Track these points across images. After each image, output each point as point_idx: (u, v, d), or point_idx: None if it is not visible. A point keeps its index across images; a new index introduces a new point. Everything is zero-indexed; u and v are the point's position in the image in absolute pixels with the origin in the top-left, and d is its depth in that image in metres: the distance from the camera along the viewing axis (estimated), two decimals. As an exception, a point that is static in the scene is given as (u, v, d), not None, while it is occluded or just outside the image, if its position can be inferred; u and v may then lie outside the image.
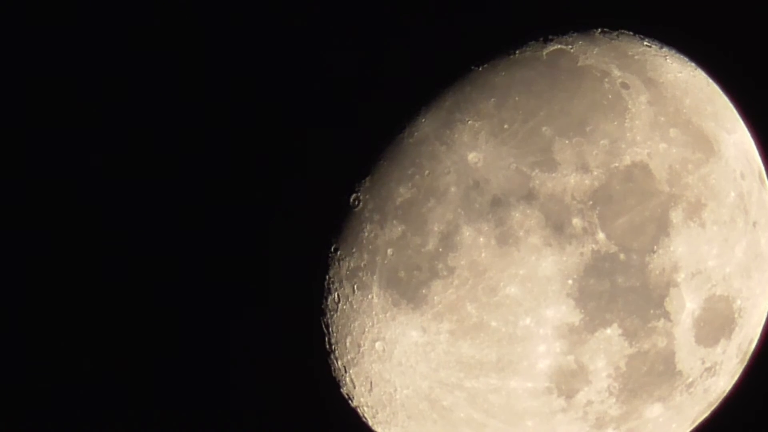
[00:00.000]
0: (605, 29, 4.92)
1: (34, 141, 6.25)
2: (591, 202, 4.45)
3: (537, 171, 4.45)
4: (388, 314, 4.58)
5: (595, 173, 4.47)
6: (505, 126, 4.49)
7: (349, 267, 4.66)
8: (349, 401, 4.95)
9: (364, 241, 4.60)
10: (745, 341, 4.97)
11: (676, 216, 4.54)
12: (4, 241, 6.29)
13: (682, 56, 5.01)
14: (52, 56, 6.19)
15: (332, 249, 4.70)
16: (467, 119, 4.53)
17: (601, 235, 4.45)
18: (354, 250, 4.64)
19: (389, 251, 4.54)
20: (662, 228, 4.52)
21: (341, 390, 4.92)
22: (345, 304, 4.70)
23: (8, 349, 6.37)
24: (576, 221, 4.44)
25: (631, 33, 4.97)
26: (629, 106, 4.61)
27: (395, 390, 4.71)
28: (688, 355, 4.69)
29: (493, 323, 4.46)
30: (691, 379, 4.77)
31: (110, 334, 6.23)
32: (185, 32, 5.84)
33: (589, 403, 4.64)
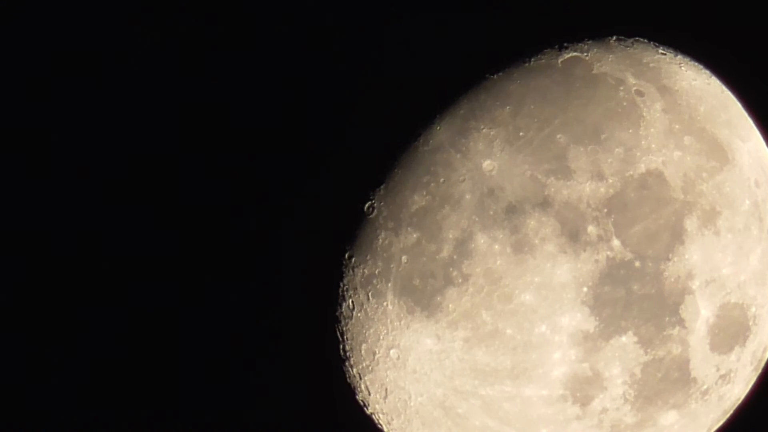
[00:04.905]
0: (620, 37, 4.91)
1: (33, 141, 6.26)
2: (606, 210, 4.45)
3: (552, 179, 4.45)
4: (402, 322, 4.58)
5: (610, 181, 4.47)
6: (520, 134, 4.49)
7: (363, 274, 4.66)
8: (365, 408, 4.95)
9: (379, 249, 4.60)
10: (760, 349, 4.96)
11: (690, 224, 4.54)
12: (4, 241, 6.30)
13: (696, 64, 5.01)
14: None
15: (347, 256, 4.71)
16: (482, 127, 4.53)
17: (616, 243, 4.44)
18: (368, 257, 4.64)
19: (404, 259, 4.54)
20: (677, 236, 4.51)
21: (356, 397, 4.92)
22: (360, 311, 4.70)
23: (7, 349, 6.38)
24: (591, 229, 4.43)
25: (645, 40, 4.97)
26: (644, 114, 4.61)
27: (410, 397, 4.71)
28: (703, 363, 4.69)
29: (508, 331, 4.46)
30: (705, 387, 4.76)
31: (111, 334, 6.24)
32: (189, 33, 5.85)
33: (604, 410, 4.63)
